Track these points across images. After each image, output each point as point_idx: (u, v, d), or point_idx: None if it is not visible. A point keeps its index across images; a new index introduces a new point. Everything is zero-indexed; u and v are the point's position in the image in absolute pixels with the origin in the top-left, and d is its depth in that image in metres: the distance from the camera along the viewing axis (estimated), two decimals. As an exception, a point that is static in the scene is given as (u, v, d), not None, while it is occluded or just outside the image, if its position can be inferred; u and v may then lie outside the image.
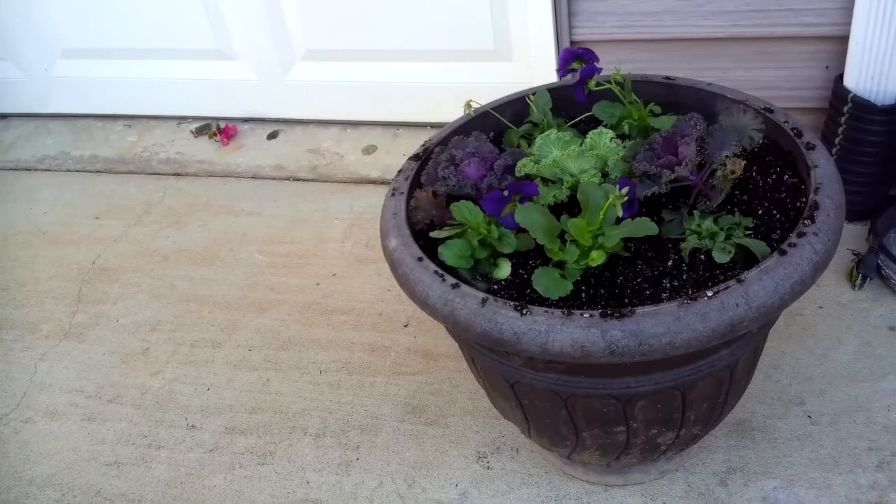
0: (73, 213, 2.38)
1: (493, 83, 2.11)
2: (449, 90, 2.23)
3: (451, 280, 1.05)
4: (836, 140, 1.72)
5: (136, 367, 1.81)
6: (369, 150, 2.40)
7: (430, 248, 1.12)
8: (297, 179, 2.38)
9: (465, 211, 1.11)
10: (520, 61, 2.12)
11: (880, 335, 1.58)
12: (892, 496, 1.31)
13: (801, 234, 1.01)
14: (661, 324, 0.94)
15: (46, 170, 2.61)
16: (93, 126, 2.74)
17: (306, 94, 2.49)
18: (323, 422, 1.61)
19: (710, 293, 0.95)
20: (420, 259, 1.09)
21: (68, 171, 2.59)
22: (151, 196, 2.41)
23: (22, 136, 2.77)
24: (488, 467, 1.47)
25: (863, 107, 1.66)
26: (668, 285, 1.04)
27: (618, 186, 1.03)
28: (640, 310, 0.95)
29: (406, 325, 1.79)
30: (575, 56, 1.20)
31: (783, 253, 0.99)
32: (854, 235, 1.80)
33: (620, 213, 1.01)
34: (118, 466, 1.60)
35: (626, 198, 1.00)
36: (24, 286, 2.11)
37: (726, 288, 0.95)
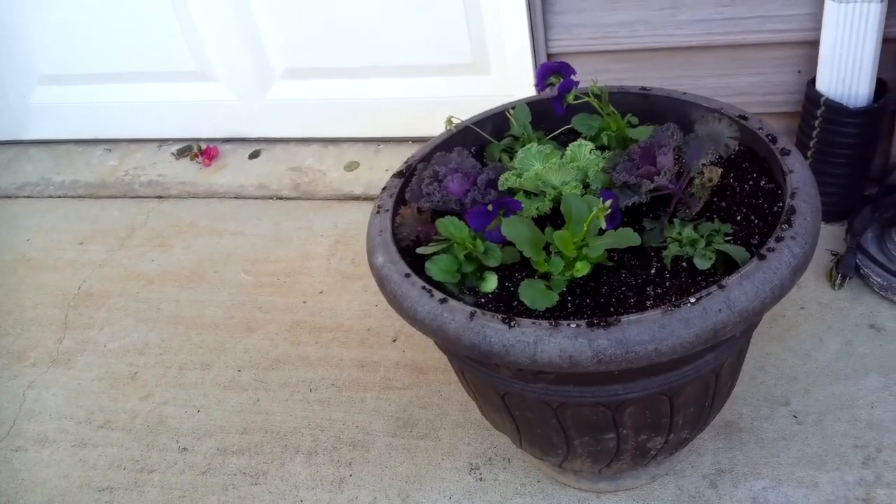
0: (56, 239, 2.38)
1: (472, 96, 2.13)
2: (428, 104, 2.25)
3: (438, 295, 1.07)
4: (811, 143, 1.75)
5: (126, 392, 1.81)
6: (351, 166, 2.41)
7: (416, 264, 1.13)
8: (281, 198, 2.39)
9: (450, 226, 1.12)
10: (498, 74, 2.14)
11: (861, 333, 1.61)
12: (878, 492, 1.34)
13: (779, 239, 1.03)
14: (647, 331, 0.96)
15: (28, 197, 2.61)
16: (73, 151, 2.73)
17: (286, 113, 2.50)
18: (314, 439, 1.62)
19: (692, 300, 0.97)
20: (407, 275, 1.11)
21: (50, 197, 2.59)
22: (135, 219, 2.41)
23: (1, 163, 2.76)
24: (481, 479, 1.48)
25: (836, 110, 1.70)
26: (652, 293, 1.06)
27: (601, 198, 1.05)
28: (625, 318, 0.97)
29: (394, 340, 1.81)
30: (552, 70, 1.22)
31: (762, 258, 1.01)
32: (832, 236, 1.84)
33: (604, 225, 1.03)
34: (111, 492, 1.60)
35: (608, 210, 1.02)
36: (10, 314, 2.10)
37: (708, 294, 0.97)
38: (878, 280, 1.66)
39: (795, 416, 1.48)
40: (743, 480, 1.39)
